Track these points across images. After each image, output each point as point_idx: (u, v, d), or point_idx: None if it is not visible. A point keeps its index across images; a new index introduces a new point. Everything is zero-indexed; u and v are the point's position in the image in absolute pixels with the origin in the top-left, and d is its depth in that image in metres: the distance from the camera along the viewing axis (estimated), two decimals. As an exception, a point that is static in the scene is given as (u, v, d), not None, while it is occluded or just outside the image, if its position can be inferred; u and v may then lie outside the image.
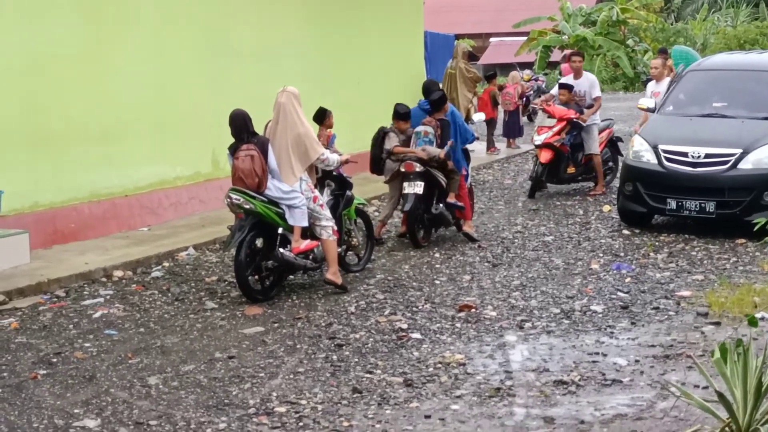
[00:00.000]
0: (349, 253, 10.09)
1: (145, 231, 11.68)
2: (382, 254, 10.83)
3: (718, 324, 7.99)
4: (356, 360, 7.28)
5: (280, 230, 8.99)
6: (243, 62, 13.79)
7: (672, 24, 43.16)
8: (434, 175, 10.94)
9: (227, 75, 13.50)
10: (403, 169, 10.99)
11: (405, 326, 8.13)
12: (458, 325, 8.18)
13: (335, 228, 9.28)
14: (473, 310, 8.58)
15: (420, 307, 8.71)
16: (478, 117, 17.81)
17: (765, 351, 5.36)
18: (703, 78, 13.19)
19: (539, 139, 14.35)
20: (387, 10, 17.73)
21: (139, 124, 12.08)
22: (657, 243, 11.21)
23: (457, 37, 37.89)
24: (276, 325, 8.25)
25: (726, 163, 11.32)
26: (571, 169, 14.64)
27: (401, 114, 11.21)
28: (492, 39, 45.33)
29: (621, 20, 35.40)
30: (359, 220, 10.21)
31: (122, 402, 6.49)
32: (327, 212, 9.26)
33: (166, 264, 10.40)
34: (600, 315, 8.41)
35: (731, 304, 8.45)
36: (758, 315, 7.91)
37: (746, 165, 11.28)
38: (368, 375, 6.94)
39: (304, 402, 6.43)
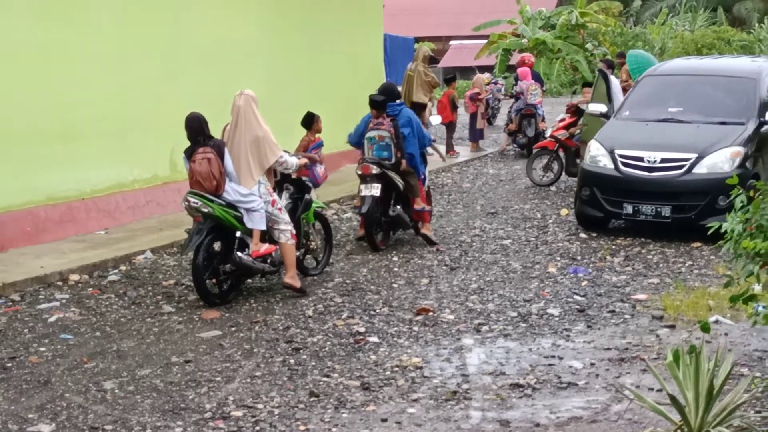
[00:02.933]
0: (308, 256, 10.09)
1: (102, 234, 11.59)
2: (341, 258, 10.83)
3: (673, 327, 8.08)
4: (313, 364, 7.28)
5: (238, 234, 8.95)
6: (202, 64, 13.73)
7: (631, 28, 43.49)
8: (391, 178, 10.96)
9: (186, 76, 13.43)
10: (359, 172, 10.99)
11: (362, 330, 8.14)
12: (416, 328, 8.20)
13: (293, 232, 9.25)
14: (431, 313, 8.61)
15: (378, 311, 8.73)
16: (435, 120, 17.86)
17: (717, 354, 5.44)
18: (660, 83, 13.32)
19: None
20: (347, 12, 17.73)
21: (96, 125, 11.98)
22: (614, 247, 11.31)
23: (417, 39, 37.98)
24: (233, 328, 8.23)
25: (681, 167, 11.44)
26: None
27: (377, 103, 11.10)
28: (452, 42, 45.47)
29: (580, 24, 35.65)
30: (318, 224, 10.20)
31: (77, 407, 6.44)
32: (285, 216, 9.23)
33: (123, 268, 10.33)
34: (556, 318, 8.47)
35: (686, 307, 8.54)
36: (712, 318, 8.02)
37: (701, 170, 11.40)
38: (325, 379, 6.94)
39: (260, 406, 6.42)
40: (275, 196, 9.22)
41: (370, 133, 11.04)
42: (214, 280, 8.97)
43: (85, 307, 8.93)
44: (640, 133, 12.13)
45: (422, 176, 11.42)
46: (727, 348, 7.01)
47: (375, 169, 10.86)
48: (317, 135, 11.75)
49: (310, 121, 11.66)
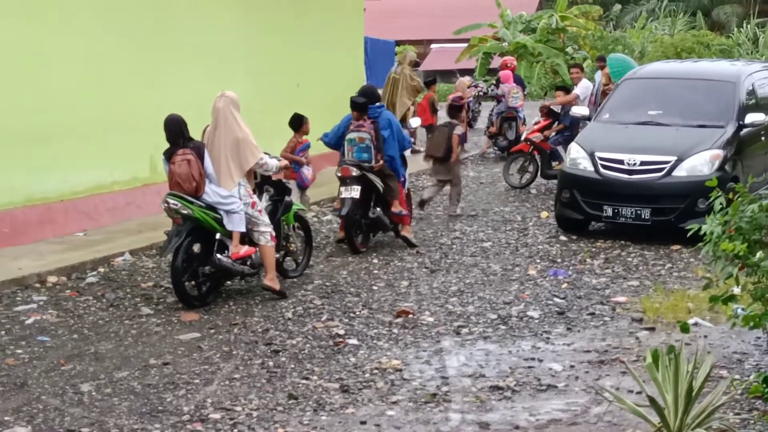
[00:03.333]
0: (288, 258, 10.05)
1: (81, 236, 11.51)
2: (320, 260, 10.80)
3: (652, 329, 8.09)
4: (292, 366, 7.25)
5: (218, 236, 8.93)
6: (183, 64, 13.66)
7: (610, 32, 43.64)
8: (371, 180, 10.94)
9: (166, 77, 13.37)
10: (339, 174, 10.97)
11: (342, 332, 8.11)
12: (395, 330, 8.18)
13: (273, 234, 9.21)
14: (410, 315, 8.59)
15: (357, 313, 8.70)
16: (415, 122, 17.88)
17: (696, 356, 5.44)
18: (640, 86, 13.36)
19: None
20: (328, 14, 17.71)
21: (75, 127, 11.90)
22: (593, 249, 11.32)
23: (398, 43, 38.00)
24: (212, 331, 8.18)
25: (661, 170, 11.47)
26: (558, 166, 15.08)
27: (358, 105, 11.08)
28: (433, 45, 45.47)
29: (560, 28, 35.74)
30: (297, 226, 10.16)
31: (54, 409, 6.39)
32: (265, 218, 9.19)
33: (101, 269, 10.26)
34: (536, 321, 8.47)
35: (666, 309, 8.56)
36: (692, 320, 8.04)
37: (681, 172, 11.44)
38: (304, 381, 6.91)
39: (239, 408, 6.38)
40: (255, 198, 9.18)
41: (351, 135, 11.01)
42: (193, 282, 8.92)
43: (63, 309, 8.86)
44: (620, 135, 12.16)
45: (402, 179, 11.41)
46: (706, 350, 7.02)
47: (355, 172, 10.83)
48: (304, 137, 11.72)
49: (298, 123, 11.65)
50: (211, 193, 8.80)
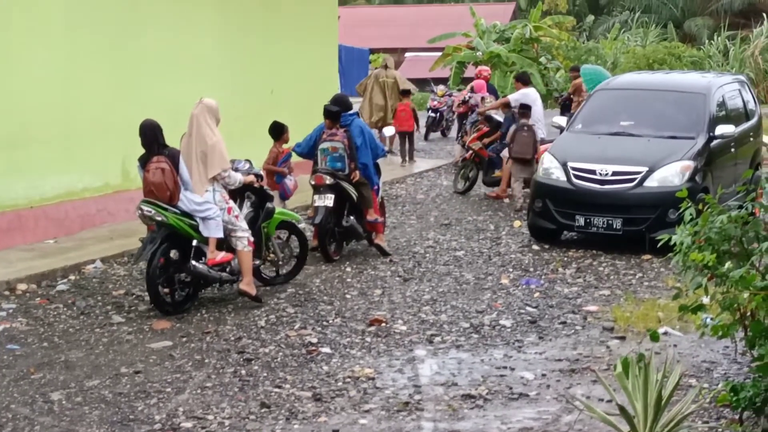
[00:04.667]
0: (266, 264, 9.98)
1: (51, 243, 11.44)
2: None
3: (623, 338, 8.14)
4: (265, 374, 7.24)
5: (194, 242, 8.92)
6: (155, 69, 13.62)
7: (584, 43, 43.92)
8: (344, 188, 10.95)
9: (139, 82, 13.31)
10: (312, 182, 10.97)
11: (315, 340, 8.11)
12: (368, 339, 8.19)
13: (251, 239, 9.19)
14: (383, 324, 8.60)
15: (330, 321, 8.70)
16: (389, 131, 18.08)
17: (665, 365, 5.49)
18: (612, 97, 13.45)
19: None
20: (302, 21, 17.71)
21: (46, 132, 11.83)
22: (565, 258, 11.38)
23: (372, 51, 38.06)
24: (184, 339, 8.16)
25: (632, 180, 11.55)
26: (498, 174, 15.74)
27: (331, 113, 11.09)
28: (407, 54, 45.59)
29: (534, 38, 35.90)
30: (290, 236, 10.10)
31: (23, 418, 6.35)
32: (242, 223, 9.17)
33: (72, 277, 10.20)
34: (509, 329, 8.50)
35: (636, 318, 8.62)
36: (661, 330, 8.09)
37: (652, 183, 11.52)
38: (277, 389, 6.91)
39: (211, 417, 6.37)
40: (231, 203, 9.16)
41: (324, 145, 11.02)
42: (167, 290, 8.89)
43: (33, 317, 8.80)
44: (592, 146, 12.23)
45: (376, 187, 11.43)
46: (676, 359, 7.08)
47: (328, 180, 10.84)
48: (284, 146, 11.67)
49: (279, 131, 11.62)
50: (186, 200, 8.79)
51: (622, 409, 5.29)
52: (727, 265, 5.84)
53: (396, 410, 6.50)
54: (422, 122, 24.89)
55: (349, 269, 10.77)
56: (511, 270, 10.81)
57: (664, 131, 12.25)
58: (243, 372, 7.29)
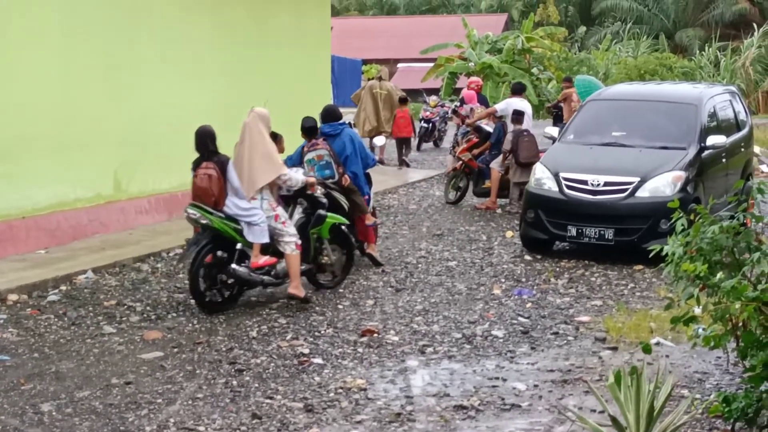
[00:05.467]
0: (324, 272, 10.25)
1: (43, 254, 11.40)
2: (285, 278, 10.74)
3: (615, 349, 8.14)
4: (256, 385, 7.22)
5: (238, 246, 9.20)
6: (149, 81, 13.61)
7: (575, 54, 44.04)
8: (336, 199, 10.93)
9: (132, 93, 13.30)
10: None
11: (307, 351, 8.09)
12: (360, 350, 8.17)
13: (298, 243, 9.43)
14: (375, 334, 8.59)
15: (322, 332, 8.69)
16: (380, 141, 18.18)
17: (657, 376, 5.48)
18: (603, 108, 13.48)
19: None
20: (295, 32, 17.72)
21: (37, 143, 11.80)
22: (557, 269, 11.38)
23: (365, 62, 38.11)
24: (175, 349, 8.13)
25: (624, 191, 11.56)
26: (489, 184, 15.80)
27: (306, 129, 11.13)
28: (399, 64, 45.67)
29: (526, 49, 35.96)
30: (337, 239, 10.27)
31: (14, 429, 6.32)
32: (290, 229, 9.42)
33: (63, 287, 10.16)
34: (501, 340, 8.49)
35: (628, 329, 8.62)
36: (654, 340, 8.10)
37: (644, 193, 11.54)
38: (268, 400, 6.88)
39: (202, 428, 6.34)
40: (279, 210, 9.44)
41: (309, 156, 11.04)
42: (204, 288, 9.14)
43: (24, 327, 8.77)
44: (584, 156, 12.25)
45: (366, 196, 11.41)
46: (668, 370, 7.07)
47: (319, 191, 10.82)
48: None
49: (272, 140, 11.55)
50: (232, 205, 9.11)
51: (614, 420, 5.28)
52: (719, 275, 5.85)
53: (388, 421, 6.48)
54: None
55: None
56: (503, 280, 10.81)
57: (655, 142, 12.27)
58: (234, 383, 7.27)
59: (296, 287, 9.41)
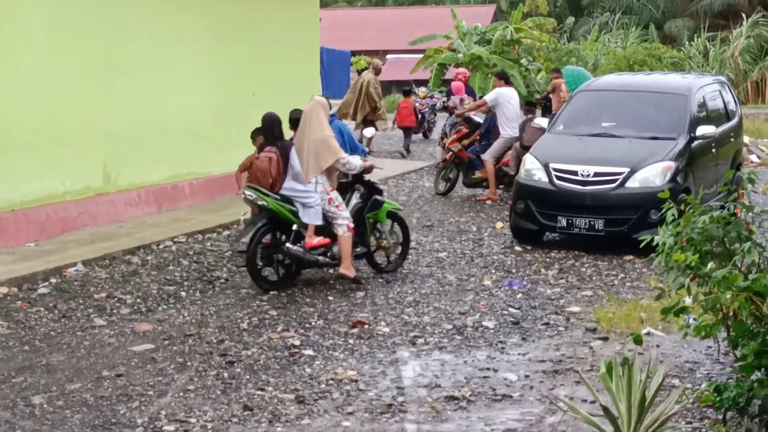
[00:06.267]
0: (379, 253, 10.63)
1: (32, 246, 11.36)
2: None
3: (606, 339, 8.15)
4: (248, 377, 7.21)
5: (294, 227, 9.67)
6: (137, 74, 13.55)
7: (564, 44, 44.01)
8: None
9: (120, 86, 13.25)
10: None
11: (297, 342, 8.09)
12: (351, 341, 8.17)
13: (351, 226, 9.84)
14: (366, 326, 8.59)
15: (313, 324, 8.68)
16: (369, 132, 18.25)
17: (649, 366, 5.49)
18: (593, 98, 13.49)
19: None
20: (284, 24, 17.68)
21: (27, 136, 11.75)
22: (548, 259, 11.39)
23: (354, 53, 38.06)
24: (166, 342, 8.12)
25: (614, 181, 11.58)
26: (479, 175, 15.90)
27: (294, 120, 11.10)
28: (388, 56, 45.59)
29: (515, 40, 35.92)
30: (393, 224, 10.67)
31: (4, 422, 6.29)
32: (343, 212, 9.85)
33: (53, 280, 10.13)
34: (492, 331, 8.50)
35: (619, 319, 8.64)
36: (644, 330, 8.12)
37: (633, 183, 11.56)
38: (260, 392, 6.88)
39: (193, 420, 6.34)
40: (333, 195, 9.89)
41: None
42: (261, 268, 9.64)
43: (14, 320, 8.74)
44: (574, 147, 12.26)
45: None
46: (659, 360, 7.09)
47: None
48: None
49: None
50: (289, 187, 9.65)
51: (606, 410, 5.29)
52: (710, 265, 5.86)
53: (379, 412, 6.48)
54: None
55: (331, 271, 10.73)
56: (493, 271, 10.82)
57: (645, 132, 12.29)
58: (225, 375, 7.26)
59: (347, 268, 9.80)
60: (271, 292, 9.74)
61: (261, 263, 9.67)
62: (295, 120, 11.11)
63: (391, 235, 10.65)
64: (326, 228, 9.82)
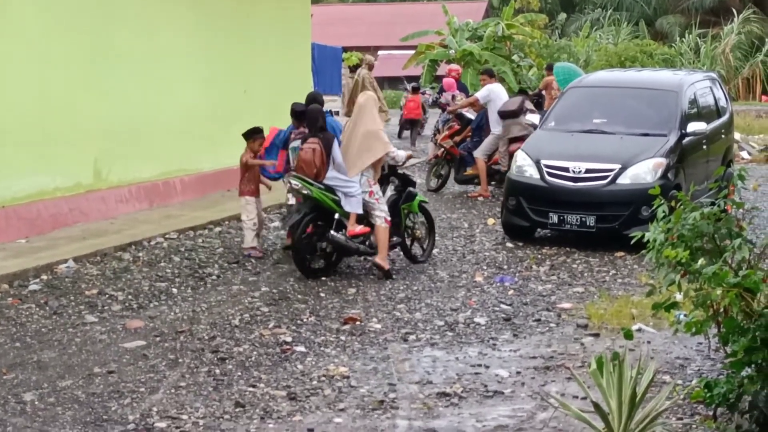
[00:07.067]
0: (415, 245, 10.90)
1: (23, 243, 11.34)
2: (267, 267, 10.76)
3: (597, 335, 8.17)
4: (239, 374, 7.21)
5: (336, 216, 10.02)
6: (128, 69, 13.52)
7: (556, 41, 44.04)
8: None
9: (111, 82, 13.22)
10: (286, 181, 10.93)
11: (289, 339, 8.09)
12: (343, 337, 8.17)
13: (388, 218, 10.16)
14: (358, 322, 8.59)
15: (305, 320, 8.68)
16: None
17: (639, 362, 5.51)
18: (584, 95, 13.51)
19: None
20: (275, 20, 17.66)
21: (17, 131, 11.71)
22: (539, 256, 11.41)
23: (345, 49, 37.96)
24: (158, 338, 8.11)
25: (605, 178, 11.60)
26: (470, 171, 15.90)
27: (297, 113, 11.10)
28: (380, 52, 45.55)
29: (506, 36, 35.94)
30: (420, 215, 10.89)
31: (-5, 419, 6.28)
32: (382, 205, 10.18)
33: (44, 277, 10.11)
34: (483, 327, 8.51)
35: (610, 315, 8.65)
36: (635, 326, 8.14)
37: (625, 180, 11.58)
38: (251, 389, 6.88)
39: (185, 417, 6.33)
40: (375, 188, 10.19)
41: (294, 143, 11.01)
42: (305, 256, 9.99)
43: (5, 317, 8.72)
44: (565, 143, 12.27)
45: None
46: (650, 356, 7.12)
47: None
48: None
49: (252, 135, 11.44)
50: (332, 177, 9.96)
51: (596, 406, 5.30)
52: (700, 261, 5.87)
53: (371, 409, 6.49)
54: (395, 120, 25.33)
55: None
56: (485, 268, 10.83)
57: (636, 128, 12.31)
58: (217, 371, 7.26)
59: (382, 258, 10.12)
60: (263, 289, 9.75)
61: (304, 252, 10.04)
62: (297, 113, 11.09)
63: (422, 225, 10.96)
64: (364, 218, 10.16)
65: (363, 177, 10.10)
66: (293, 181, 10.02)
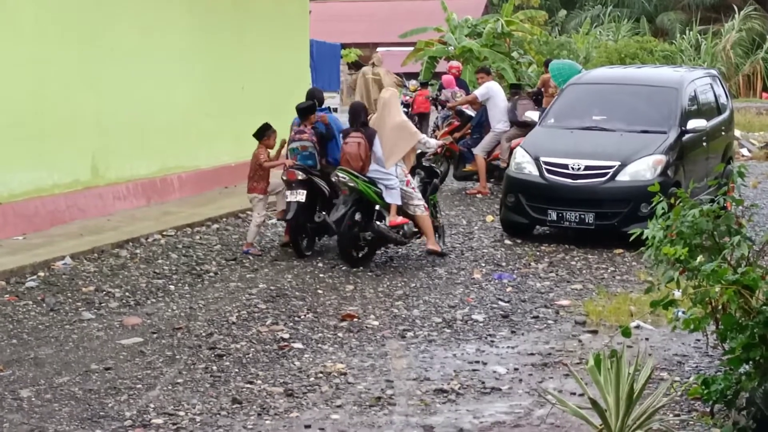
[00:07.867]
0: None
1: (20, 240, 11.32)
2: (265, 263, 10.74)
3: (595, 332, 8.16)
4: (236, 370, 7.20)
5: (377, 207, 10.36)
6: (125, 66, 13.51)
7: (556, 37, 43.99)
8: (317, 184, 10.93)
9: (108, 79, 13.21)
10: (284, 178, 10.94)
11: (287, 336, 8.07)
12: (340, 334, 8.16)
13: (426, 206, 10.61)
14: (356, 319, 8.58)
15: (302, 317, 8.67)
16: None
17: (637, 358, 5.50)
18: (584, 91, 13.49)
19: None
20: (273, 17, 17.65)
21: (14, 128, 11.69)
22: (538, 253, 11.39)
23: (344, 46, 37.98)
24: (155, 335, 8.10)
25: (605, 175, 11.58)
26: (469, 168, 15.97)
27: (300, 111, 11.10)
28: (379, 48, 45.50)
29: (506, 33, 35.91)
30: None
31: (-9, 416, 6.27)
32: (418, 194, 10.62)
33: (41, 274, 10.09)
34: (481, 324, 8.50)
35: (608, 312, 8.64)
36: (633, 323, 8.13)
37: (624, 177, 11.55)
38: (248, 385, 6.86)
39: (182, 413, 6.32)
40: (410, 177, 10.65)
41: (293, 144, 11.04)
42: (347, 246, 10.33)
43: (2, 314, 8.70)
44: (564, 140, 12.25)
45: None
46: (648, 353, 7.10)
47: (300, 175, 10.82)
48: (268, 150, 11.41)
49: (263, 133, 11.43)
50: (374, 170, 10.30)
51: (594, 402, 5.29)
52: (699, 258, 5.86)
53: (368, 405, 6.47)
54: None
55: (320, 265, 10.73)
56: (483, 265, 10.81)
57: (636, 125, 12.28)
58: (214, 368, 7.24)
59: (433, 244, 10.61)
60: (261, 286, 9.74)
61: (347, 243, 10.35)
62: (302, 110, 11.07)
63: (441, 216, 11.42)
64: (400, 209, 10.45)
65: (398, 168, 10.44)
66: (340, 175, 10.24)
